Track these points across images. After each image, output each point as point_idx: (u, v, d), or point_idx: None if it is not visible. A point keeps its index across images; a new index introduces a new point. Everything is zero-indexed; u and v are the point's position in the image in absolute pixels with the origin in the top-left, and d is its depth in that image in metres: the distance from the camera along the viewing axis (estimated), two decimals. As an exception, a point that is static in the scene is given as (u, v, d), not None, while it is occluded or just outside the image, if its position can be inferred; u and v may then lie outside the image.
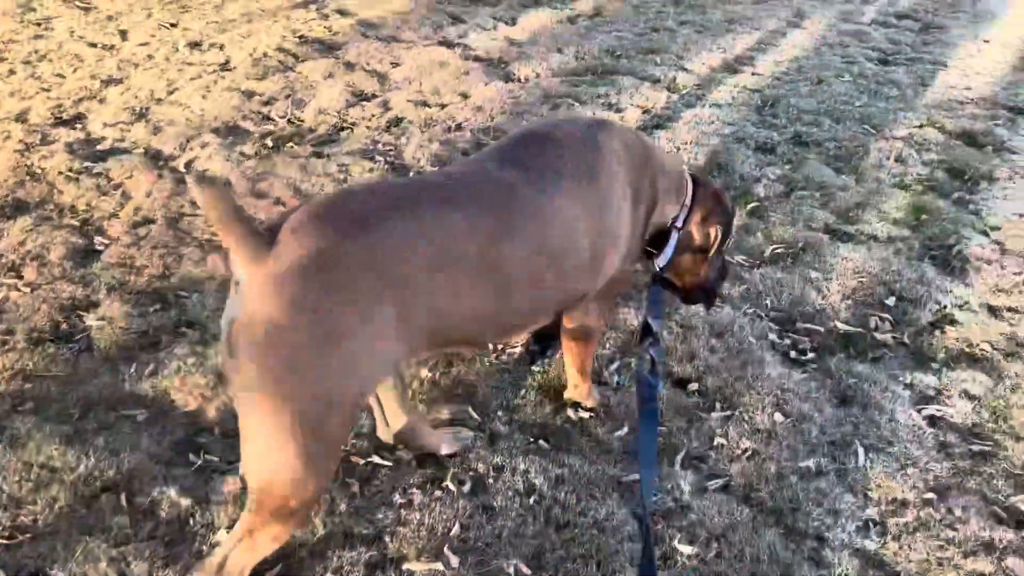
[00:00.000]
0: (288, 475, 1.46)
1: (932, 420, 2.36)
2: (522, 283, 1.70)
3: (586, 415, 2.31)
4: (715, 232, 2.15)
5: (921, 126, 4.18)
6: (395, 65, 4.69)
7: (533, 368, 2.44)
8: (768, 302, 2.80)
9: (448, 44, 5.08)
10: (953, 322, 2.76)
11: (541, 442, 2.21)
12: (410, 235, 1.51)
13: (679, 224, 2.12)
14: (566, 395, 2.33)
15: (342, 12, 5.50)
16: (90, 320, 2.55)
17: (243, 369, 1.40)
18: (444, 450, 2.12)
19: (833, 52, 5.24)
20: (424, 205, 1.56)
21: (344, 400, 1.49)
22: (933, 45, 5.48)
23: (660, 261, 2.14)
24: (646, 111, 4.23)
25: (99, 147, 3.66)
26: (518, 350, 2.51)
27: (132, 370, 2.36)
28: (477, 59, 4.85)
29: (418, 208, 1.55)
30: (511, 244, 1.65)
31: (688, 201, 2.13)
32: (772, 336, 2.66)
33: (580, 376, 2.26)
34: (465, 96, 4.36)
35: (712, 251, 2.18)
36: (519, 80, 4.59)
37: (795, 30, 5.63)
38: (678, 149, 3.82)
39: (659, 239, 2.13)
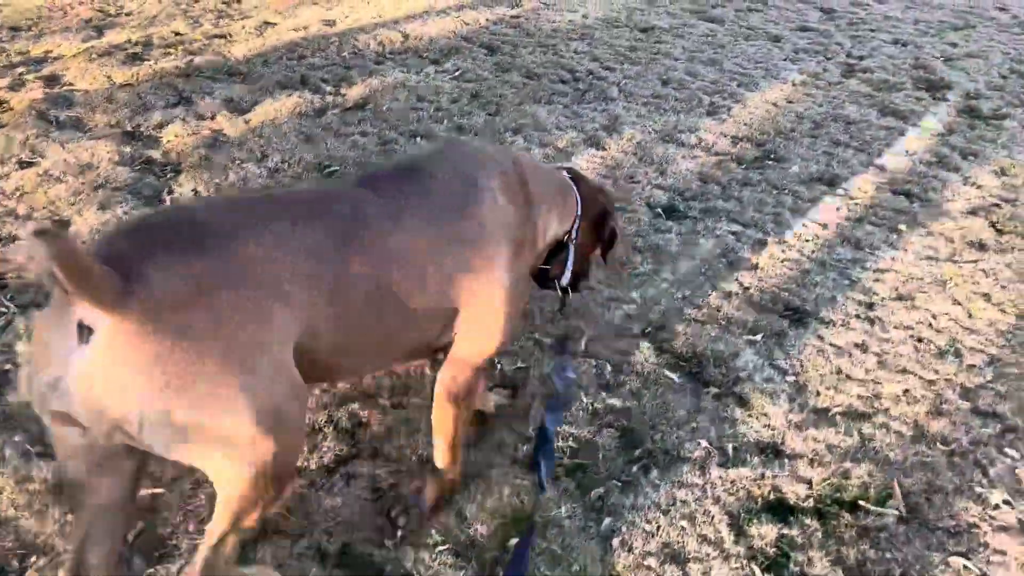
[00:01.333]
0: (256, 483, 1.46)
1: None
2: (366, 316, 1.64)
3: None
4: (609, 231, 2.23)
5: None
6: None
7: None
8: None
9: (132, 136, 3.95)
10: None
11: None
12: (265, 254, 1.47)
13: (573, 236, 2.13)
14: (437, 466, 2.07)
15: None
16: None
17: (155, 416, 1.31)
18: None
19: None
20: (270, 222, 1.52)
21: (277, 403, 1.44)
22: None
23: (564, 280, 2.17)
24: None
25: None
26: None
27: None
28: (145, 164, 3.71)
29: (263, 226, 1.51)
30: (351, 270, 1.59)
31: (579, 210, 2.15)
32: None
33: (448, 453, 2.02)
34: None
35: (603, 251, 2.27)
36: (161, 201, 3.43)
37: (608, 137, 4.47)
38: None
39: (552, 254, 2.13)
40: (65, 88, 4.52)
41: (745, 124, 4.60)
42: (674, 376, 2.59)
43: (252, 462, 1.42)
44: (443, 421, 1.96)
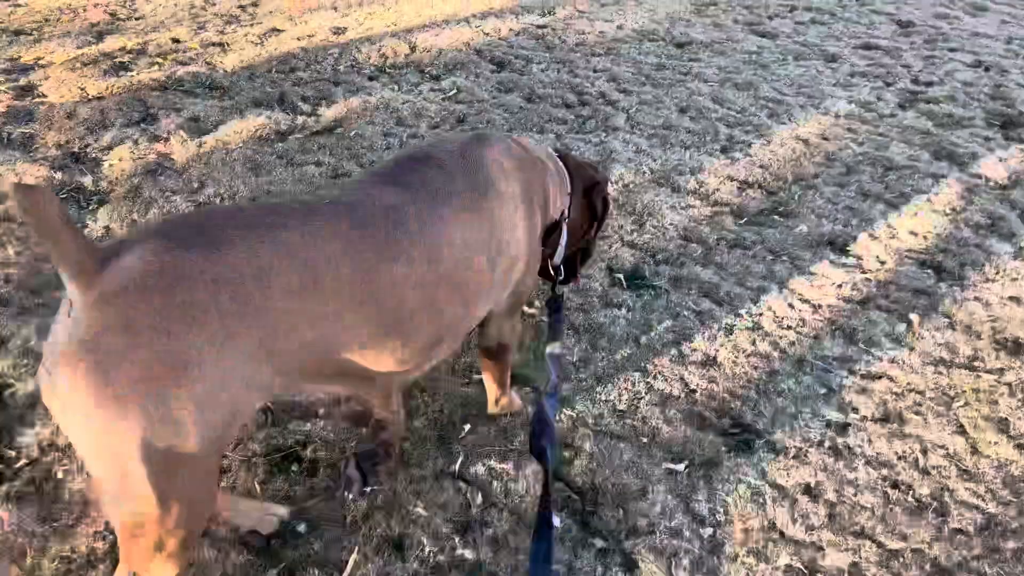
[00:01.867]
0: (147, 509, 1.33)
1: None
2: (417, 310, 1.59)
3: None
4: (600, 205, 2.24)
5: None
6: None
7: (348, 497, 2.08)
8: None
9: (76, 158, 3.70)
10: None
11: None
12: (272, 256, 1.39)
13: (567, 214, 2.14)
14: (490, 410, 2.34)
15: None
16: None
17: (75, 400, 1.24)
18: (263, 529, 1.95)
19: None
20: (291, 225, 1.44)
21: (200, 428, 1.31)
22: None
23: (557, 258, 2.17)
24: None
25: None
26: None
27: None
28: (73, 192, 3.44)
29: (283, 228, 1.43)
30: (396, 269, 1.55)
31: (570, 188, 2.17)
32: None
33: (500, 390, 2.28)
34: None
35: (597, 226, 2.29)
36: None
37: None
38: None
39: (546, 234, 2.09)
40: (35, 100, 4.33)
41: (761, 166, 3.96)
42: (556, 519, 2.07)
43: (142, 494, 1.32)
44: (493, 371, 2.22)
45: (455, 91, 4.65)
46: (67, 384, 1.24)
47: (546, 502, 1.61)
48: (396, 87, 4.67)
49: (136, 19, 5.77)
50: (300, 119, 4.23)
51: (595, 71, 5.01)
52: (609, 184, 2.32)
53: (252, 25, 5.65)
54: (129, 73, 4.74)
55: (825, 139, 4.27)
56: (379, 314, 1.52)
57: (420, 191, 1.66)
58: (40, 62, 4.86)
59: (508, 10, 6.12)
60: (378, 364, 1.59)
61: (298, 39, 5.39)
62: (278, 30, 5.59)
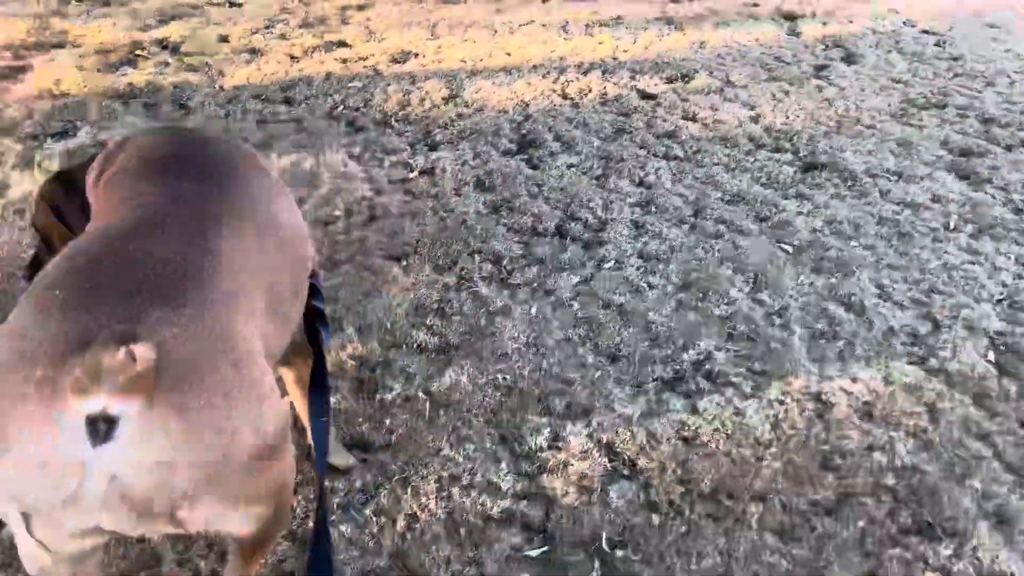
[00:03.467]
0: (273, 519, 1.37)
1: None
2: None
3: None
4: None
5: None
6: None
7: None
8: None
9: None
10: None
11: None
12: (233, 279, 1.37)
13: None
14: None
15: None
16: None
17: (202, 490, 1.18)
18: None
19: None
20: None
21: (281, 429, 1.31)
22: None
23: None
24: None
25: None
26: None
27: None
28: None
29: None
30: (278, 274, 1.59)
31: None
32: None
33: None
34: None
35: None
36: None
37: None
38: None
39: None
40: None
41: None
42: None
43: (269, 506, 1.34)
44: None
45: (429, 174, 3.47)
46: (173, 483, 1.15)
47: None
48: (365, 152, 3.61)
49: (236, 5, 5.31)
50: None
51: (640, 180, 3.48)
52: None
53: (323, 35, 4.89)
54: (128, 71, 4.25)
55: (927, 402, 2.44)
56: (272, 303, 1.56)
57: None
58: (82, 39, 4.56)
59: (630, 65, 4.66)
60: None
61: (340, 60, 4.52)
62: (334, 44, 4.76)
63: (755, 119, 4.12)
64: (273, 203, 1.65)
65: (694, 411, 2.34)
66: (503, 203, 3.29)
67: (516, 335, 2.59)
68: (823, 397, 2.42)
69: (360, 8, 5.40)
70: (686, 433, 2.28)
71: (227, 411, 1.19)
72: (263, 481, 1.28)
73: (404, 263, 2.89)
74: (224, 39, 4.75)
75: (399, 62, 4.59)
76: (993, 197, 3.51)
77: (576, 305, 2.74)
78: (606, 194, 3.38)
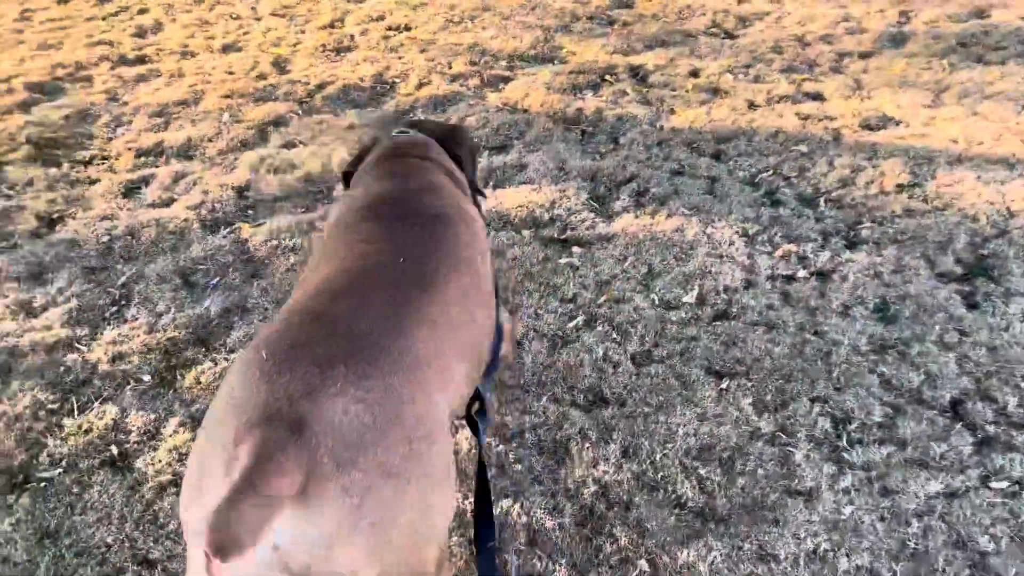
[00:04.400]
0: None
1: None
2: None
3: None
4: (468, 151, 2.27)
5: None
6: None
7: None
8: None
9: None
10: None
11: None
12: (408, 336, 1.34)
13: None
14: None
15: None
16: None
17: (362, 569, 1.18)
18: None
19: None
20: (399, 291, 1.43)
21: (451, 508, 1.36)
22: None
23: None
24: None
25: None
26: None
27: None
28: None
29: (402, 302, 1.41)
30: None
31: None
32: None
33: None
34: None
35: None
36: None
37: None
38: None
39: None
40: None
41: None
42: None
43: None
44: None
45: (824, 277, 2.83)
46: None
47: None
48: (764, 233, 3.10)
49: (350, 50, 5.07)
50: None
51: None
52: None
53: (801, 82, 4.36)
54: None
55: None
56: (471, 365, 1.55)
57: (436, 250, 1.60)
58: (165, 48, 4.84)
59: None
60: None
61: (805, 117, 3.96)
62: (820, 97, 4.19)
63: None
64: (485, 260, 1.66)
65: None
66: (896, 344, 2.53)
67: (802, 535, 1.96)
68: None
69: (863, 56, 4.70)
70: None
71: (392, 500, 1.17)
72: (423, 567, 1.26)
73: (722, 384, 2.41)
74: (695, 73, 4.56)
75: (871, 129, 3.86)
76: None
77: (916, 529, 1.96)
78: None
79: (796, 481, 2.10)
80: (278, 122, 4.14)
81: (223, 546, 1.03)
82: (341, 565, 1.15)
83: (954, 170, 3.45)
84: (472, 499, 1.87)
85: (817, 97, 4.22)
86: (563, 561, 1.92)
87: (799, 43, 4.93)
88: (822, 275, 2.87)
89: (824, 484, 2.09)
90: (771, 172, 3.53)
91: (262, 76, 4.70)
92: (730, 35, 5.15)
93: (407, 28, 5.44)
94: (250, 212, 3.39)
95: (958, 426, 2.25)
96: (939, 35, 4.90)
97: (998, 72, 4.38)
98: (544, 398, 2.37)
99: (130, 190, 3.60)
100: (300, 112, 4.24)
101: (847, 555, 1.91)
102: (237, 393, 1.21)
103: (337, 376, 1.19)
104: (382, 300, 1.38)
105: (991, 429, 2.24)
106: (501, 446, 2.21)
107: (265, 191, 3.52)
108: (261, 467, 1.08)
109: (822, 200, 3.31)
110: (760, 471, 2.13)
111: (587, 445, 2.21)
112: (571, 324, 2.66)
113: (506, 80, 4.59)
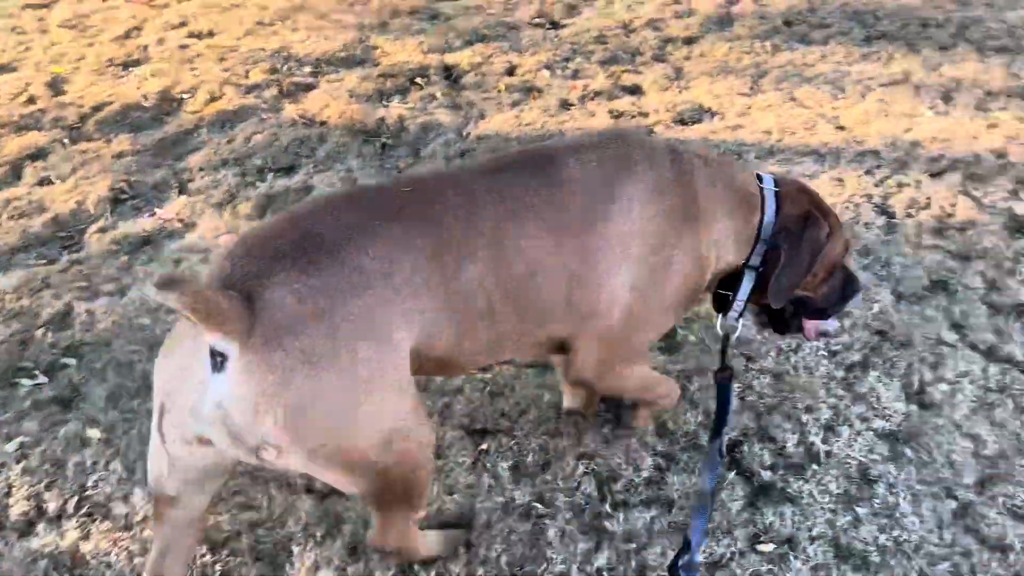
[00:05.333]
0: (388, 487, 1.53)
1: None
2: (476, 309, 1.60)
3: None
4: (807, 250, 1.81)
5: None
6: None
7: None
8: None
9: None
10: None
11: None
12: (379, 263, 1.47)
13: (755, 262, 1.84)
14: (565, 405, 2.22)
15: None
16: None
17: (287, 444, 1.35)
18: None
19: None
20: (385, 219, 1.53)
21: (400, 418, 1.48)
22: None
23: (732, 313, 1.90)
24: None
25: None
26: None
27: None
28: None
29: (380, 224, 1.51)
30: (464, 267, 1.56)
31: (763, 231, 1.82)
32: None
33: (578, 402, 2.18)
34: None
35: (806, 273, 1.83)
36: None
37: None
38: None
39: (721, 283, 1.90)
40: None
41: None
42: None
43: (380, 478, 1.49)
44: (575, 389, 2.10)
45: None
46: (260, 426, 1.33)
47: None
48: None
49: (376, 55, 4.79)
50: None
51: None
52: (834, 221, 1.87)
53: (619, 75, 4.11)
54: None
55: None
56: (447, 304, 1.55)
57: (513, 201, 1.62)
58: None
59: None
60: (445, 350, 1.60)
61: (619, 115, 3.71)
62: (639, 90, 3.95)
63: None
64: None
65: None
66: (677, 377, 2.29)
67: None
68: None
69: (688, 42, 4.48)
70: None
71: (317, 390, 1.34)
72: (358, 459, 1.43)
73: (482, 445, 2.12)
74: (511, 71, 4.27)
75: (684, 123, 3.65)
76: None
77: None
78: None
79: (544, 565, 1.84)
80: (37, 154, 3.65)
81: (169, 279, 1.23)
82: (267, 435, 1.33)
83: (763, 165, 3.26)
84: None
85: (634, 91, 3.98)
86: None
87: (625, 31, 4.69)
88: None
89: (575, 568, 1.83)
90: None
91: (31, 100, 4.16)
92: (556, 25, 4.87)
93: (210, 34, 4.94)
94: (-20, 269, 2.93)
95: (731, 475, 2.03)
96: (765, 15, 4.74)
97: (819, 53, 4.24)
98: (270, 485, 2.04)
99: None
100: (66, 141, 3.76)
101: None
102: (209, 271, 1.47)
103: (285, 269, 1.37)
104: (357, 221, 1.50)
105: (767, 476, 2.02)
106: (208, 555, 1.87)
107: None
108: (207, 306, 1.25)
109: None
110: (505, 556, 1.86)
111: (310, 544, 1.89)
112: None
113: (308, 88, 4.19)
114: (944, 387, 2.24)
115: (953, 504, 1.93)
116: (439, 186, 1.64)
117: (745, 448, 2.09)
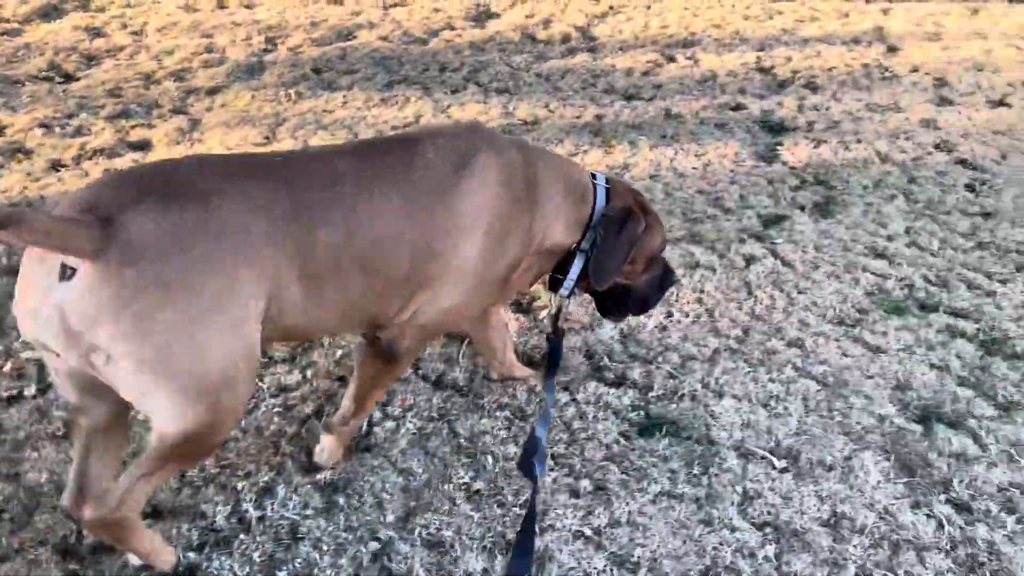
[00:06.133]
0: (196, 430, 1.54)
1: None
2: (330, 276, 1.69)
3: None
4: (626, 242, 2.09)
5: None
6: None
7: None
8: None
9: None
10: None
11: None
12: (239, 214, 1.54)
13: (585, 246, 2.09)
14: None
15: None
16: None
17: (118, 352, 1.42)
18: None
19: None
20: (253, 180, 1.61)
21: (231, 360, 1.53)
22: None
23: (563, 290, 2.15)
24: None
25: None
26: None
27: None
28: None
29: (247, 182, 1.60)
30: (322, 233, 1.65)
31: (594, 218, 2.09)
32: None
33: (355, 407, 2.10)
34: None
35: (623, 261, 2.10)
36: None
37: None
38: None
39: (564, 260, 2.12)
40: None
41: None
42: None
43: (194, 415, 1.52)
44: (364, 380, 2.05)
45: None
46: (93, 334, 1.39)
47: (530, 518, 1.78)
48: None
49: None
50: None
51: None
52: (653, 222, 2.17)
53: (129, 130, 3.83)
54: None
55: None
56: (299, 263, 1.62)
57: (373, 172, 1.76)
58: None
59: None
60: (293, 313, 1.66)
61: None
62: (149, 145, 3.69)
63: None
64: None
65: None
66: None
67: None
68: None
69: (211, 92, 4.35)
70: None
71: (159, 307, 1.41)
72: (182, 386, 1.48)
73: None
74: (2, 131, 3.79)
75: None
76: None
77: None
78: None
79: None
80: None
81: (6, 216, 1.29)
82: (100, 340, 1.40)
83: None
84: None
85: (143, 146, 3.74)
86: None
87: (146, 82, 4.42)
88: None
89: None
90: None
91: None
92: (70, 78, 4.45)
93: None
94: None
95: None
96: (297, 62, 4.78)
97: (341, 99, 4.35)
98: None
99: None
100: None
101: None
102: (69, 196, 1.52)
103: (150, 201, 1.45)
104: (226, 176, 1.58)
105: (192, 557, 1.90)
106: None
107: None
108: (62, 224, 1.36)
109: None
110: None
111: None
112: None
113: None
114: (389, 424, 2.32)
115: (376, 545, 1.97)
116: (308, 159, 1.81)
117: (174, 531, 1.95)
